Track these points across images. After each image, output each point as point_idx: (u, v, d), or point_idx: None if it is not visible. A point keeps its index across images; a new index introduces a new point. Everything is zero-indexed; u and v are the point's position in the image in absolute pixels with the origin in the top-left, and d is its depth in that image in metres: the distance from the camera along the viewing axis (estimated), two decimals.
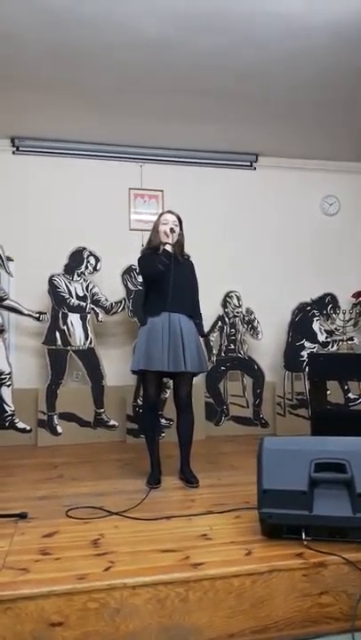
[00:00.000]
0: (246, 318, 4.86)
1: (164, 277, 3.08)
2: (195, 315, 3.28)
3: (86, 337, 4.51)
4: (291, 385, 4.91)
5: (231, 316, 4.86)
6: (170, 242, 3.15)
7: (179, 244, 3.25)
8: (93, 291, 4.56)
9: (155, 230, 3.26)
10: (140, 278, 4.57)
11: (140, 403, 4.46)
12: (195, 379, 3.29)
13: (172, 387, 3.39)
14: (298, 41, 3.29)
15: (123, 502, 2.69)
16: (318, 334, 4.93)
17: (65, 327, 4.47)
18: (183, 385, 3.16)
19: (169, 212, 3.30)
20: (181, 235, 3.27)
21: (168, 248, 3.14)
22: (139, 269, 3.31)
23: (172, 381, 3.32)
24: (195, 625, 1.83)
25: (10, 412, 4.37)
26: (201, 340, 3.34)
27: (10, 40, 3.27)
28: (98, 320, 4.55)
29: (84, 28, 3.17)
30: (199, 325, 3.31)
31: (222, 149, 5.02)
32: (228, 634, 1.85)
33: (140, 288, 4.54)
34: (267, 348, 4.99)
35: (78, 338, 4.49)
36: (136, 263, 4.46)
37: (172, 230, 3.16)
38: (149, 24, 3.13)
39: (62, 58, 3.47)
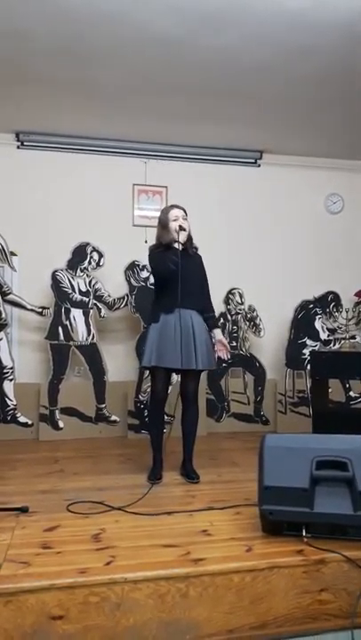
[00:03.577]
0: (248, 315, 4.86)
1: (175, 275, 3.04)
2: (207, 308, 3.28)
3: (89, 332, 4.52)
4: (292, 382, 4.91)
5: (233, 313, 4.85)
6: (181, 240, 3.10)
7: (188, 237, 3.22)
8: (96, 286, 4.56)
9: (164, 227, 3.19)
10: (143, 274, 4.58)
11: (141, 398, 4.48)
12: None
13: (175, 382, 3.39)
14: (305, 38, 3.27)
15: (124, 497, 2.70)
16: (320, 332, 4.92)
17: (67, 322, 4.47)
18: (191, 381, 3.17)
19: (176, 206, 3.25)
20: (189, 227, 3.24)
21: (178, 246, 3.09)
22: (150, 268, 3.31)
23: (175, 377, 3.31)
24: (195, 620, 1.84)
25: (12, 407, 4.38)
26: (218, 331, 3.36)
27: (17, 36, 3.26)
28: (100, 316, 4.55)
29: (92, 25, 3.15)
30: (212, 318, 3.32)
31: (227, 146, 5.00)
32: (228, 629, 1.86)
33: (143, 284, 4.56)
34: (269, 345, 4.99)
35: (81, 333, 4.50)
36: (139, 259, 4.51)
37: (181, 228, 3.12)
38: (156, 21, 3.11)
39: (69, 54, 3.46)
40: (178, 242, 3.10)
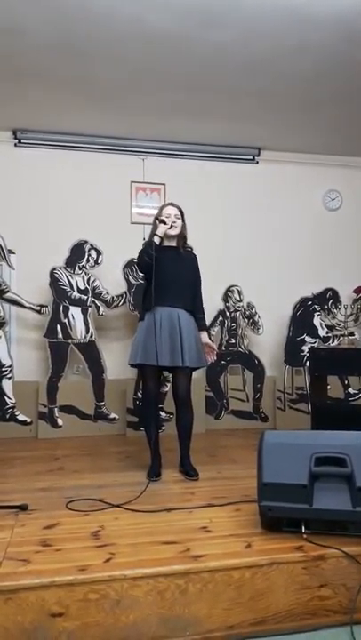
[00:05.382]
0: (247, 313, 4.86)
1: (152, 270, 3.03)
2: (196, 309, 3.26)
3: (87, 330, 4.52)
4: (291, 379, 4.92)
5: (232, 310, 4.86)
6: (159, 233, 3.11)
7: (181, 236, 3.23)
8: (95, 284, 4.56)
9: (155, 223, 3.22)
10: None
11: (140, 396, 4.47)
12: (195, 372, 3.30)
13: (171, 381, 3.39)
14: (303, 34, 3.27)
15: (123, 494, 2.70)
16: (319, 329, 4.93)
17: (66, 320, 4.47)
18: (182, 379, 3.15)
19: (170, 204, 3.27)
20: (183, 226, 3.24)
21: (156, 240, 3.10)
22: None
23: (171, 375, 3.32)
24: (194, 616, 1.84)
25: (11, 405, 4.38)
26: (204, 334, 3.32)
27: (14, 33, 3.25)
28: (99, 313, 4.55)
29: (89, 22, 3.14)
30: (201, 320, 3.30)
31: (225, 143, 5.00)
32: (228, 625, 1.86)
33: (141, 282, 4.55)
34: (267, 342, 4.99)
35: (79, 331, 4.50)
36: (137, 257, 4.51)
37: (161, 221, 3.12)
38: (153, 18, 3.10)
39: (66, 51, 3.45)
40: (156, 234, 3.11)
